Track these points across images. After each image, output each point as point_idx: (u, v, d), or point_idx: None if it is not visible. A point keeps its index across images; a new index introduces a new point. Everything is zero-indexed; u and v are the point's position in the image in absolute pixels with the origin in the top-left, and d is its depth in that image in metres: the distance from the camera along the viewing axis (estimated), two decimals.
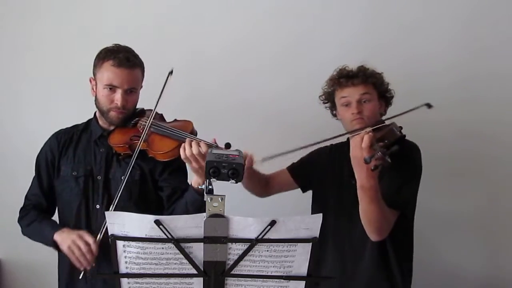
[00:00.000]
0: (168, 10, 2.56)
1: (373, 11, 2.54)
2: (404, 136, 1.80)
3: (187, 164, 1.70)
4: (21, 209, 1.90)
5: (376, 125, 1.74)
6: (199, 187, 1.67)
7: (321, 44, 2.54)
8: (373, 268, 1.84)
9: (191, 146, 1.63)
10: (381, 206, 1.66)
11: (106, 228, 1.63)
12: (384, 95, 1.94)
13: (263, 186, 2.08)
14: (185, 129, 1.77)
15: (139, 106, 1.91)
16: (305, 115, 2.48)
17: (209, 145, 1.63)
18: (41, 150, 1.91)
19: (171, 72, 1.77)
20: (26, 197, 1.90)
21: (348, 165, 1.73)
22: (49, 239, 1.76)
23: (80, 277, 1.70)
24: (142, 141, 1.73)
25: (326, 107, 2.04)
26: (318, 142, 1.89)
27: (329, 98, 2.00)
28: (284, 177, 2.09)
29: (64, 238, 1.71)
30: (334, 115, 2.02)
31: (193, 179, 1.71)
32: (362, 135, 1.61)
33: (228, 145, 1.62)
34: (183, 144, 1.65)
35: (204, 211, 1.25)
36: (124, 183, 1.74)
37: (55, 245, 1.75)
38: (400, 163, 1.70)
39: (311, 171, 2.06)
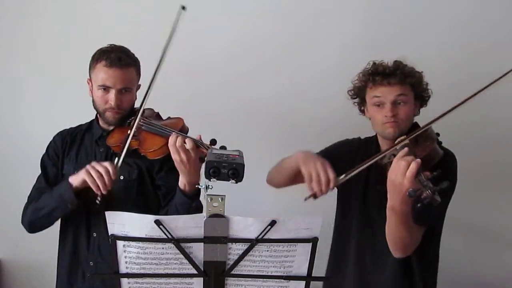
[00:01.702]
0: (168, 10, 2.56)
1: (373, 11, 2.53)
2: (440, 143, 1.69)
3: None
4: (24, 207, 1.86)
5: (413, 132, 1.62)
6: (197, 186, 1.67)
7: (321, 45, 2.54)
8: (394, 279, 1.75)
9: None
10: (409, 228, 1.54)
11: (125, 153, 1.67)
12: (420, 95, 1.79)
13: (290, 178, 1.87)
14: (175, 126, 1.76)
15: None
16: (307, 115, 2.48)
17: (194, 141, 1.62)
18: (46, 150, 1.91)
19: (183, 7, 1.72)
20: (29, 196, 1.87)
21: (376, 170, 1.66)
22: (64, 187, 1.70)
23: (98, 201, 1.66)
24: (131, 138, 1.72)
25: (354, 102, 1.89)
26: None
27: (359, 93, 1.84)
28: None
29: (79, 172, 1.67)
30: (362, 111, 1.87)
31: (179, 179, 1.68)
32: (408, 160, 1.41)
33: (213, 141, 1.63)
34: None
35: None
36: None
37: (73, 191, 1.68)
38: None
39: (335, 165, 1.75)
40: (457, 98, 2.44)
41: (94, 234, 1.80)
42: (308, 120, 2.47)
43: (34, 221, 1.79)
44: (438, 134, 1.67)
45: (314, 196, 1.64)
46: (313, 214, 1.29)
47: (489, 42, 2.48)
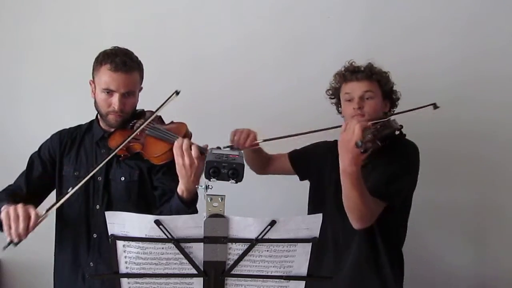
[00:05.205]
0: (169, 11, 2.56)
1: (374, 12, 2.54)
2: (404, 134, 1.80)
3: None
4: None
5: (376, 120, 1.74)
6: (197, 186, 1.66)
7: (321, 45, 2.54)
8: (361, 257, 1.84)
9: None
10: (362, 194, 1.65)
11: (55, 207, 1.62)
12: (389, 96, 1.92)
13: (263, 164, 2.13)
14: (179, 132, 1.77)
15: (140, 107, 1.91)
16: (308, 115, 2.48)
17: (201, 149, 1.59)
18: (40, 147, 1.90)
19: (177, 93, 1.75)
20: (8, 186, 1.86)
21: None
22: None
23: (3, 248, 1.57)
24: (130, 141, 1.72)
25: (332, 103, 2.02)
26: (319, 130, 1.90)
27: (335, 93, 1.99)
28: (284, 161, 2.12)
29: (9, 207, 1.56)
30: (340, 113, 2.00)
31: (179, 185, 1.64)
32: (359, 120, 1.61)
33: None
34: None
35: None
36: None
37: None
38: (393, 157, 1.76)
39: (310, 162, 2.07)
40: (456, 98, 2.47)
41: (94, 235, 1.80)
42: (308, 120, 2.47)
43: None
44: (401, 126, 1.77)
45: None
46: (313, 214, 1.29)
47: (489, 43, 2.49)
